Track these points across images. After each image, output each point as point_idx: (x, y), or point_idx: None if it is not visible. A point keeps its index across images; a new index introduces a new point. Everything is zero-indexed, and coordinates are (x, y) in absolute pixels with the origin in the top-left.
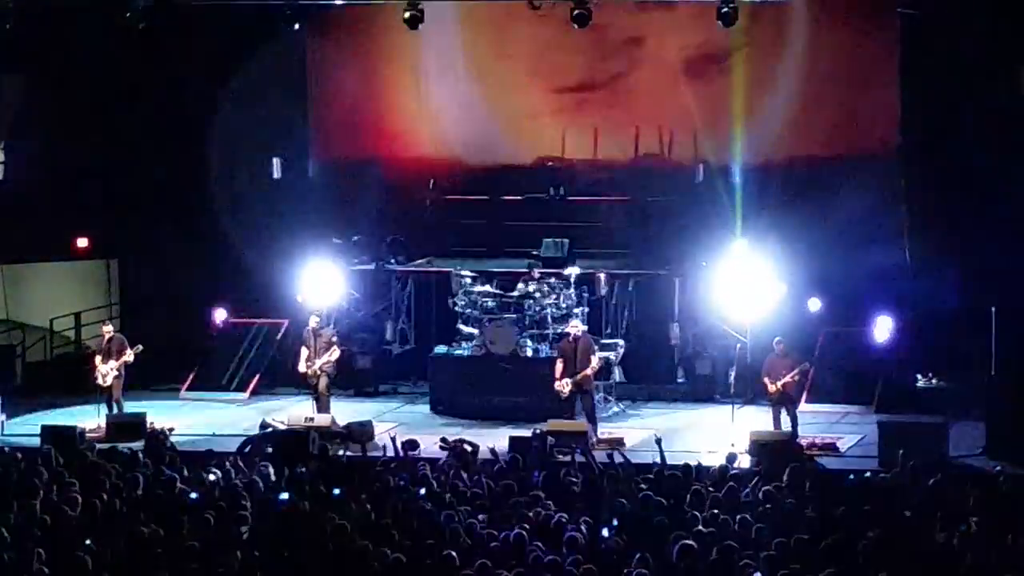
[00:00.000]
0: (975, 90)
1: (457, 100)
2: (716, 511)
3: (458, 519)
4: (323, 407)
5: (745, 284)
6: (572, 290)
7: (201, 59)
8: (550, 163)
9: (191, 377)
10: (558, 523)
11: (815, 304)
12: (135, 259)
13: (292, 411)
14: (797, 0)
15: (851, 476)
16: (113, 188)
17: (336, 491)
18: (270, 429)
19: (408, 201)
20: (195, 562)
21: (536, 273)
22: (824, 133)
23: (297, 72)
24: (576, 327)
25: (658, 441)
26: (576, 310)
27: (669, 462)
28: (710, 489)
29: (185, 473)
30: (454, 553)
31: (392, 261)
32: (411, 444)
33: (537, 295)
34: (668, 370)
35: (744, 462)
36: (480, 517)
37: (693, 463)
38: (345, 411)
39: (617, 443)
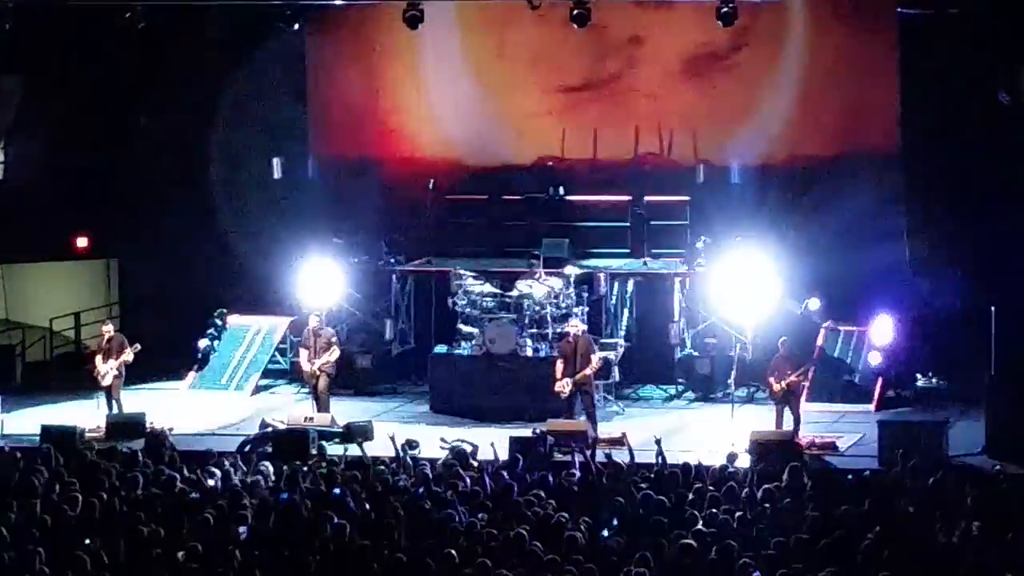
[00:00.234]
0: (975, 90)
1: (457, 100)
2: (716, 511)
3: (458, 519)
4: (323, 407)
5: (745, 284)
6: (572, 290)
7: (201, 59)
8: (550, 163)
9: (191, 376)
10: (558, 523)
11: (815, 303)
12: (135, 259)
13: (292, 411)
14: (797, 0)
15: (850, 476)
16: (113, 188)
17: (336, 491)
18: (270, 429)
19: (408, 201)
20: (195, 562)
21: (540, 272)
22: (824, 133)
23: (297, 72)
24: (576, 327)
25: (658, 441)
26: (576, 310)
27: (669, 462)
28: (710, 489)
29: (185, 473)
30: (454, 553)
31: (392, 260)
32: (411, 444)
33: (539, 295)
34: (668, 370)
35: (744, 462)
36: (480, 517)
37: (693, 463)
38: (345, 411)
39: (617, 443)
